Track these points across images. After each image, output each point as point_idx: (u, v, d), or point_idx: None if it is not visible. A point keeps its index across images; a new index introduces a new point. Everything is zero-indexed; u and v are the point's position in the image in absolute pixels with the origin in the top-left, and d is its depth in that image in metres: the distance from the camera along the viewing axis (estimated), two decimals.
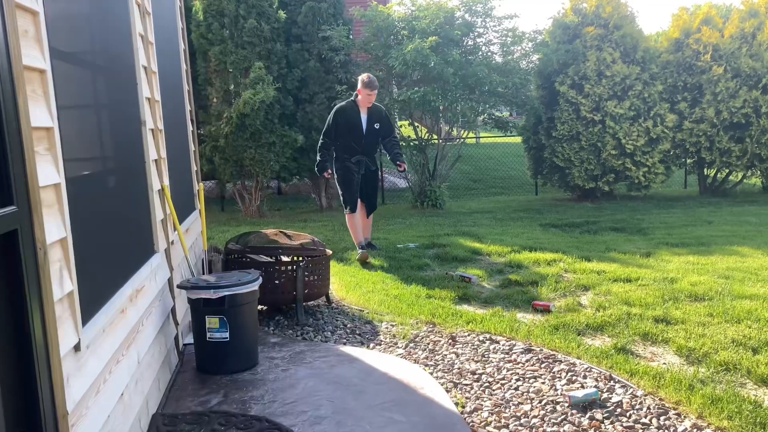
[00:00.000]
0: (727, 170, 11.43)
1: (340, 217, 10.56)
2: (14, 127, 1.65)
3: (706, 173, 11.85)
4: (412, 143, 10.91)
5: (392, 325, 4.50)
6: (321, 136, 6.80)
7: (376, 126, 6.70)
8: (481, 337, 4.16)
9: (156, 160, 3.72)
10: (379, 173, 7.08)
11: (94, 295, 2.38)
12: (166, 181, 3.99)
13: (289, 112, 10.78)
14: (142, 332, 3.05)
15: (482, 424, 3.02)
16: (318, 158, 6.81)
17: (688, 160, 11.90)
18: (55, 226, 1.98)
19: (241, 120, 9.92)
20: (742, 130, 10.63)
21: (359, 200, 6.81)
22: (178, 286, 3.81)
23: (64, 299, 2.00)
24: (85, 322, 2.21)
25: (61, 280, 1.99)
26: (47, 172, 1.95)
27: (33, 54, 1.89)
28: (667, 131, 10.72)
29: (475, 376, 3.57)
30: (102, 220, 2.65)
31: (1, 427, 1.61)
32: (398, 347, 4.08)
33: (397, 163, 6.77)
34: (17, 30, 1.73)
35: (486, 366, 3.70)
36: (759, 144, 10.53)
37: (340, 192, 6.91)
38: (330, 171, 6.79)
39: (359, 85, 6.64)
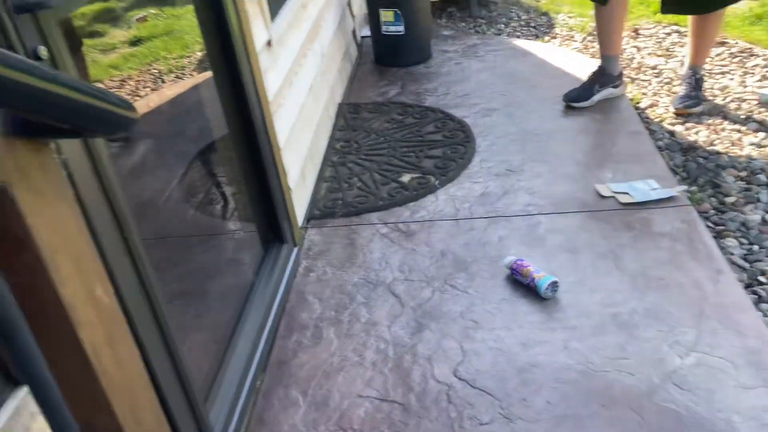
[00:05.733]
0: None
1: None
2: None
3: None
4: None
5: (570, 17, 4.28)
6: None
7: None
8: (666, 30, 3.86)
9: None
10: None
11: None
12: None
13: None
14: (323, 26, 3.21)
15: (656, 119, 2.99)
16: None
17: None
18: None
19: None
20: None
21: None
22: None
23: None
24: (272, 18, 2.38)
25: None
26: None
27: None
28: None
29: (655, 71, 3.41)
30: None
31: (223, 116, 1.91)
32: (575, 41, 3.93)
33: None
34: None
35: (669, 60, 3.50)
36: None
37: None
38: None
39: None
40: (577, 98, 3.06)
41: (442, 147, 2.89)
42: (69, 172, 0.99)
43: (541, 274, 2.00)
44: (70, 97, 0.76)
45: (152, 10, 2.18)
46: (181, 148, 2.00)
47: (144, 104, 1.85)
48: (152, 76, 2.11)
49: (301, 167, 2.51)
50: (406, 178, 2.69)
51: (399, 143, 2.96)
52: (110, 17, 1.97)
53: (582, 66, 3.49)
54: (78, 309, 0.86)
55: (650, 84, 3.31)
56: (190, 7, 1.86)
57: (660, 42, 3.73)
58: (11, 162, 0.78)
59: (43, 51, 0.98)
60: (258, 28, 2.16)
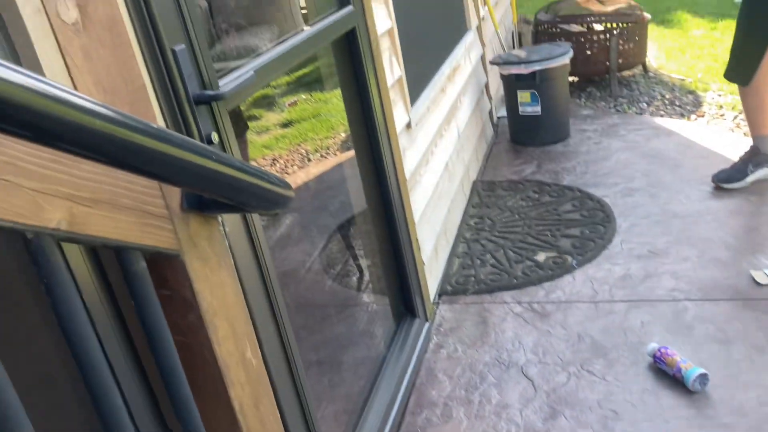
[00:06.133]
0: None
1: None
2: None
3: None
4: None
5: (719, 95, 4.10)
6: None
7: None
8: None
9: None
10: None
11: (418, 77, 2.64)
12: None
13: None
14: (460, 108, 3.31)
15: None
16: None
17: None
18: (382, 18, 2.20)
19: None
20: None
21: None
22: (491, 62, 3.94)
23: (395, 85, 2.28)
24: (412, 102, 2.50)
25: (392, 67, 2.25)
26: None
27: None
28: None
29: None
30: (419, 6, 2.82)
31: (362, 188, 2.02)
32: (725, 119, 3.75)
33: None
34: None
35: None
36: None
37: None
38: None
39: None
40: (728, 179, 2.89)
41: (580, 226, 2.83)
42: (229, 242, 1.10)
43: (689, 365, 1.87)
44: (238, 177, 0.86)
45: (303, 95, 2.39)
46: (323, 222, 2.13)
47: (291, 181, 1.99)
48: (300, 155, 2.28)
49: (434, 242, 2.56)
50: (541, 256, 2.65)
51: (534, 221, 2.94)
52: (266, 103, 2.18)
53: (733, 145, 3.31)
54: (231, 369, 0.94)
55: None
56: (337, 92, 2.01)
57: None
58: (185, 233, 0.89)
59: (215, 136, 1.11)
60: (399, 112, 2.28)
